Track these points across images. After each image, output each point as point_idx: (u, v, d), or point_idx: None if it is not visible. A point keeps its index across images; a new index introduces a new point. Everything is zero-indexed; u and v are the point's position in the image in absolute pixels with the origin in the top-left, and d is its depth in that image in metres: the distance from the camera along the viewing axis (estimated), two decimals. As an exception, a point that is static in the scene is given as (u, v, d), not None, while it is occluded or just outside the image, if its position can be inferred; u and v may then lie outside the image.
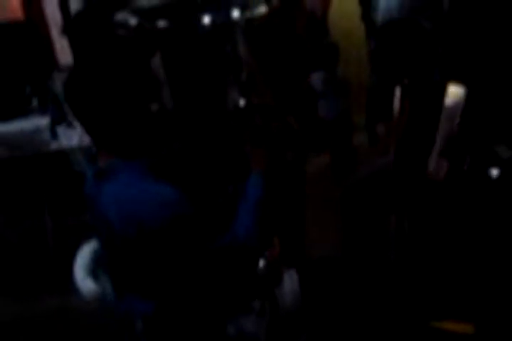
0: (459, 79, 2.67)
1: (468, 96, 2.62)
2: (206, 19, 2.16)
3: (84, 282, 1.90)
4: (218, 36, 2.29)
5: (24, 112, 4.30)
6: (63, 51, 5.83)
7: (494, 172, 2.60)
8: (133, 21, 2.26)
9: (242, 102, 2.33)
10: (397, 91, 2.83)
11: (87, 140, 3.76)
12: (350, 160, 4.71)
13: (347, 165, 4.63)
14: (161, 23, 2.29)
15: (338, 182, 4.25)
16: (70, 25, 4.24)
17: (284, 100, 2.71)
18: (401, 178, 2.79)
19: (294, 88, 3.03)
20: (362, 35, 5.25)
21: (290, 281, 2.16)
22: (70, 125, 4.01)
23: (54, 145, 3.93)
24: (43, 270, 3.79)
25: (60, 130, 3.99)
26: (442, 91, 2.64)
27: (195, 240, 1.64)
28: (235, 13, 2.24)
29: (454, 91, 2.64)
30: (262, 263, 2.07)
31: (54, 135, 3.97)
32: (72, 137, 3.92)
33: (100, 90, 1.60)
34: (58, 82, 4.70)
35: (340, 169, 4.70)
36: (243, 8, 2.32)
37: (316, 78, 4.66)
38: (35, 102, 4.35)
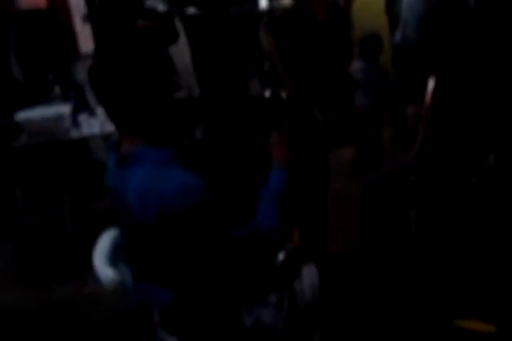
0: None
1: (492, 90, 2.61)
2: (234, 8, 2.15)
3: (104, 270, 1.90)
4: (245, 25, 2.28)
5: (46, 100, 4.32)
6: (85, 39, 5.86)
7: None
8: (161, 8, 2.26)
9: (267, 93, 2.32)
10: (430, 84, 2.80)
11: (108, 128, 3.78)
12: (377, 154, 4.68)
13: (373, 158, 4.60)
14: (190, 10, 2.28)
15: (359, 175, 4.21)
16: (94, 12, 4.25)
17: (310, 91, 2.70)
18: (424, 174, 2.77)
19: (329, 78, 3.01)
20: (386, 28, 5.21)
21: (309, 274, 2.14)
22: (91, 113, 4.03)
23: (75, 133, 3.95)
24: (62, 257, 3.82)
25: (82, 117, 4.00)
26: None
27: (215, 229, 1.63)
28: (263, 3, 2.23)
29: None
30: (281, 255, 2.07)
31: (75, 122, 3.98)
32: (94, 125, 3.93)
33: (125, 74, 1.60)
34: (80, 69, 4.72)
35: (365, 162, 4.67)
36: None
37: (356, 68, 4.66)
38: (57, 90, 4.37)
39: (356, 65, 4.68)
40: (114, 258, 1.95)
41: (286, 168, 1.85)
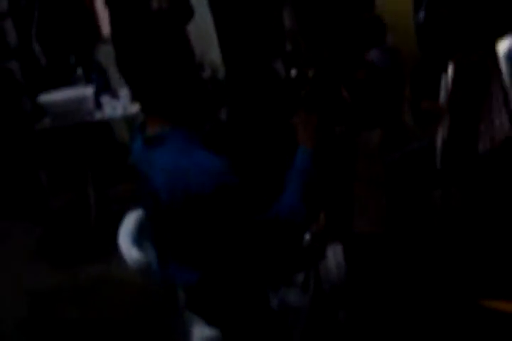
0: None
1: None
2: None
3: (129, 251, 1.90)
4: (269, 5, 2.25)
5: (69, 82, 4.33)
6: (107, 21, 5.84)
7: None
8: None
9: (293, 72, 2.29)
10: (450, 68, 2.76)
11: (131, 110, 3.78)
12: (402, 136, 4.63)
13: (398, 140, 4.56)
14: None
15: (384, 158, 4.18)
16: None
17: (336, 70, 2.67)
18: (451, 153, 2.74)
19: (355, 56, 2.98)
20: (409, 10, 5.13)
21: (334, 255, 2.14)
22: (114, 95, 4.03)
23: (98, 115, 3.96)
24: (87, 239, 3.85)
25: (105, 100, 4.00)
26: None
27: (241, 210, 1.63)
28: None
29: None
30: (307, 236, 2.06)
31: (98, 105, 3.99)
32: (117, 107, 3.93)
33: (146, 56, 1.59)
34: (102, 52, 4.72)
35: (390, 144, 4.63)
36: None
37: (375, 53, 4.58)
38: (79, 72, 4.37)
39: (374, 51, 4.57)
40: (139, 239, 1.96)
41: (312, 149, 1.83)
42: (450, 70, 2.77)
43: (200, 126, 1.72)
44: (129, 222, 2.02)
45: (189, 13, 3.95)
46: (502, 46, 2.70)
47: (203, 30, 3.45)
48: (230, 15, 2.51)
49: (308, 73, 2.26)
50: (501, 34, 2.82)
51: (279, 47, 2.63)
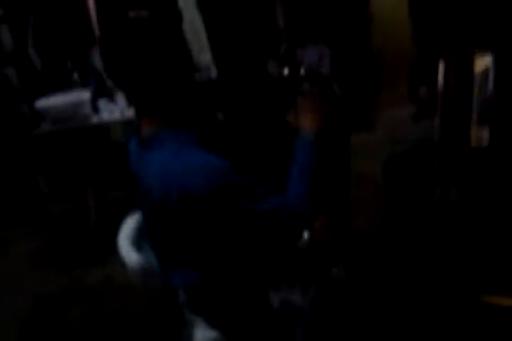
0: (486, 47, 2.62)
1: (498, 63, 2.57)
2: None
3: (129, 253, 1.90)
4: (261, 4, 2.25)
5: (65, 86, 4.33)
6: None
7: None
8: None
9: (285, 71, 2.29)
10: (441, 65, 2.76)
11: (128, 113, 3.78)
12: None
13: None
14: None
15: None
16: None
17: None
18: (446, 147, 2.74)
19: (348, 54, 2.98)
20: (405, 10, 5.16)
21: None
22: (111, 98, 4.03)
23: (95, 119, 3.96)
24: (88, 244, 3.85)
25: (102, 103, 4.01)
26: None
27: (239, 209, 1.61)
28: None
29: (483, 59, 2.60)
30: (306, 234, 2.06)
31: (95, 108, 3.99)
32: (114, 110, 3.94)
33: (141, 54, 1.59)
34: (98, 55, 4.72)
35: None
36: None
37: None
38: (76, 76, 4.38)
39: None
40: (139, 241, 1.96)
41: (313, 138, 1.78)
42: (441, 66, 2.78)
43: (196, 126, 1.71)
44: (128, 225, 2.03)
45: (178, 16, 3.95)
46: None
47: (193, 31, 3.45)
48: (219, 15, 2.51)
49: (301, 71, 2.26)
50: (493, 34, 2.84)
51: (273, 47, 2.63)
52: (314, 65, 4.54)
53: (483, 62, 2.59)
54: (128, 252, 1.91)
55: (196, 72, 1.66)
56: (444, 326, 2.46)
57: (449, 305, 2.57)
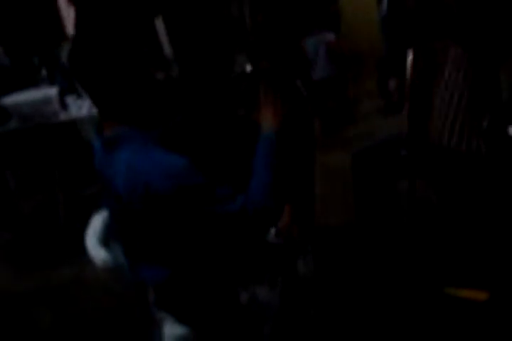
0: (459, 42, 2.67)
1: (472, 59, 2.61)
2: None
3: (97, 251, 1.90)
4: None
5: (33, 83, 4.29)
6: (71, 21, 5.79)
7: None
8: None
9: (248, 67, 2.29)
10: (409, 55, 2.80)
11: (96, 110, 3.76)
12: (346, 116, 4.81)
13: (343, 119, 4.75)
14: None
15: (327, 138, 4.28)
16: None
17: (292, 64, 2.67)
18: (414, 142, 2.77)
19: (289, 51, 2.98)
20: (372, 1, 5.20)
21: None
22: (79, 95, 4.01)
23: (63, 116, 3.93)
24: (56, 242, 3.82)
25: (70, 100, 3.98)
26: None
27: (202, 208, 1.61)
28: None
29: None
30: (272, 230, 2.07)
31: (63, 105, 3.96)
32: (82, 107, 3.91)
33: (103, 57, 1.58)
34: (66, 52, 4.68)
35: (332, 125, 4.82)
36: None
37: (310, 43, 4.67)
38: (43, 73, 4.34)
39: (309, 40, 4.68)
40: (106, 239, 1.96)
41: (274, 133, 1.77)
42: (409, 58, 2.82)
43: (158, 126, 1.71)
44: (96, 223, 2.03)
45: (155, 12, 3.94)
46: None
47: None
48: (177, 11, 2.49)
49: (262, 68, 2.26)
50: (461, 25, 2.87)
51: (240, 43, 2.62)
52: (312, 55, 4.60)
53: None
54: (96, 250, 1.91)
55: (159, 70, 1.65)
56: (410, 317, 2.50)
57: (415, 298, 2.61)
